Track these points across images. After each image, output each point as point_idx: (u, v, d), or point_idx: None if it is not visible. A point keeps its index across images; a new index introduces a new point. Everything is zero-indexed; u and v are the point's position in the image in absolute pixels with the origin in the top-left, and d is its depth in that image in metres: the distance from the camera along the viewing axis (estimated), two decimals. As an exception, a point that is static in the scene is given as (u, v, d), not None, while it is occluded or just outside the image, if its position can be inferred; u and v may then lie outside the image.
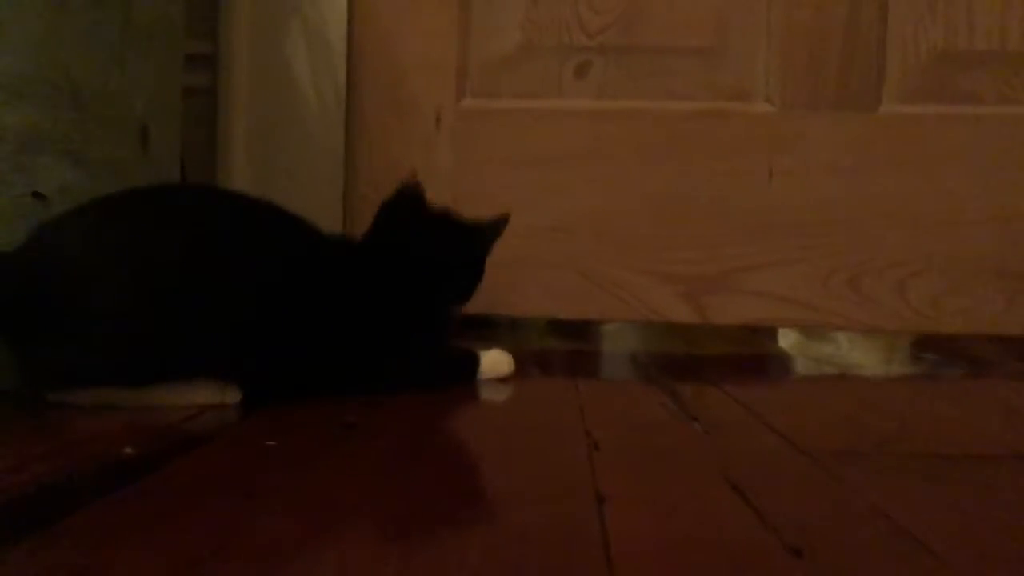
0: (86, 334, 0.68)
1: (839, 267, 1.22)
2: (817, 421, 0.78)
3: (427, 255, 0.90)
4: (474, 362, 0.94)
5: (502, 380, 0.95)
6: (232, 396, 0.73)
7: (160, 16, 0.94)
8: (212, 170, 1.23)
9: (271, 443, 0.61)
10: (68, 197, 0.83)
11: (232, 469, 0.55)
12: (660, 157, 1.24)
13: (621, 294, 1.25)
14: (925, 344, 1.28)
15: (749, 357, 1.33)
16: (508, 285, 1.25)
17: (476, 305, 1.28)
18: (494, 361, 0.95)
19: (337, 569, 0.39)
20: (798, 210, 1.23)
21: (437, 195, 1.24)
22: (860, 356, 1.38)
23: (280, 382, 0.76)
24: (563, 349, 1.35)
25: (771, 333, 1.58)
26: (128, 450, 0.57)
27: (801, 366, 1.27)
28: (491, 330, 1.47)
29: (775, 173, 1.23)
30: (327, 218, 1.23)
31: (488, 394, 0.89)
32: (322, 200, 1.23)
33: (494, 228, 0.97)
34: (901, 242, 1.22)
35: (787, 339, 1.72)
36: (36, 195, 0.81)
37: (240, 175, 1.23)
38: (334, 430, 0.66)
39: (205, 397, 0.72)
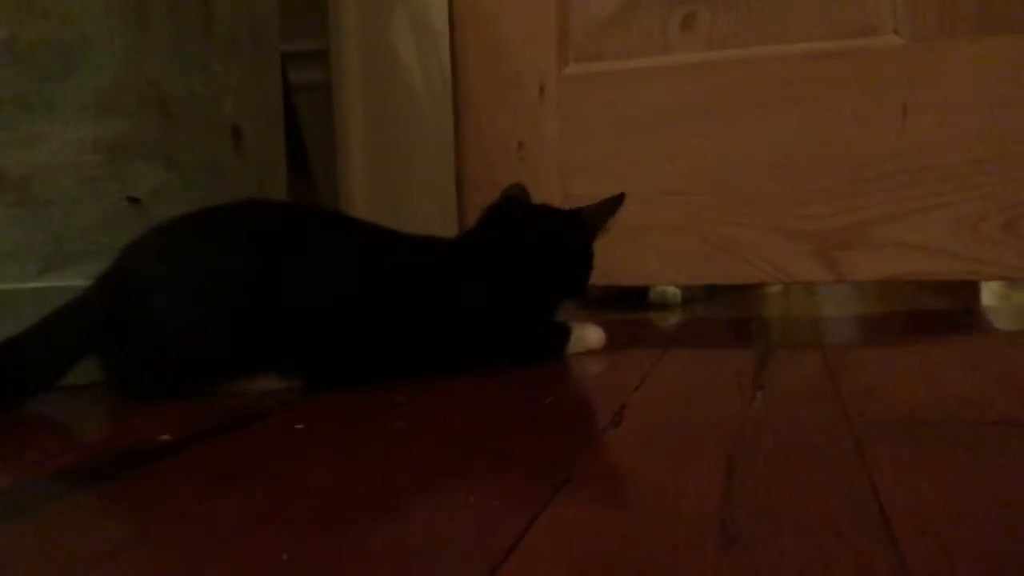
0: (160, 346, 0.73)
1: (991, 210, 1.09)
2: (917, 388, 0.70)
3: (527, 249, 0.89)
4: (564, 336, 0.92)
5: (593, 352, 0.93)
6: (297, 383, 0.76)
7: (244, 20, 0.98)
8: (333, 161, 1.28)
9: (299, 426, 0.63)
10: (162, 198, 0.89)
11: (256, 454, 0.57)
12: (779, 106, 1.16)
13: (746, 255, 1.18)
14: None
15: (933, 314, 1.23)
16: (625, 254, 1.22)
17: (597, 276, 1.26)
18: (583, 335, 0.93)
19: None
20: (938, 151, 1.10)
21: (545, 166, 1.23)
22: None
23: (347, 372, 0.78)
24: (703, 318, 1.30)
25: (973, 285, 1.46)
26: (165, 437, 0.61)
27: (1000, 320, 1.16)
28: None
29: (910, 112, 1.11)
30: (441, 197, 1.25)
31: (564, 367, 0.87)
32: (436, 180, 1.25)
33: (601, 211, 0.93)
34: (1067, 177, 1.06)
35: (989, 290, 1.57)
36: (131, 199, 0.87)
37: (358, 163, 1.27)
38: (380, 410, 0.68)
39: (274, 385, 0.76)
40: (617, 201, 0.94)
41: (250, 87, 0.99)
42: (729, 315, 1.32)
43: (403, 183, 1.27)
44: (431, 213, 1.26)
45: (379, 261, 0.82)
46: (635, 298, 1.50)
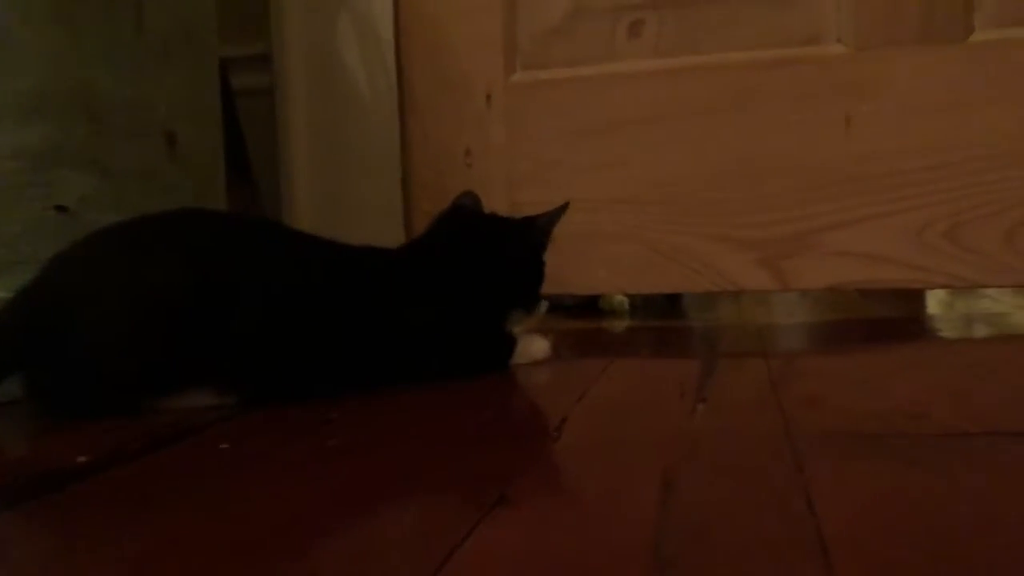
0: (87, 362, 0.69)
1: (934, 218, 1.10)
2: (858, 398, 0.70)
3: (478, 259, 0.88)
4: (509, 347, 0.91)
5: (538, 364, 0.91)
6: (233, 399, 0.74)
7: (180, 23, 0.95)
8: (277, 168, 1.26)
9: (224, 446, 0.61)
10: (92, 207, 0.86)
11: (177, 476, 0.55)
12: (725, 115, 1.15)
13: (693, 264, 1.18)
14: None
15: (879, 322, 1.24)
16: (573, 263, 1.21)
17: (545, 286, 1.25)
18: (528, 346, 0.92)
19: None
20: (882, 159, 1.11)
21: (492, 174, 1.22)
22: (1021, 311, 1.25)
23: (287, 387, 0.75)
24: (652, 326, 1.30)
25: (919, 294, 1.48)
26: (82, 458, 0.58)
27: (944, 328, 1.17)
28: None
29: (854, 121, 1.11)
30: (388, 204, 1.23)
31: (508, 379, 0.85)
32: (382, 187, 1.23)
33: (552, 221, 0.92)
34: (1008, 185, 1.08)
35: (934, 298, 1.59)
36: (58, 208, 0.84)
37: (302, 170, 1.24)
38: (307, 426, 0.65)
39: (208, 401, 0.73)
40: (562, 209, 0.93)
41: (186, 92, 0.97)
42: (678, 323, 1.32)
43: (348, 190, 1.24)
44: (377, 220, 1.24)
45: (321, 273, 0.79)
46: (589, 306, 1.49)
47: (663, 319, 1.36)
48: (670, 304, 1.48)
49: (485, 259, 0.88)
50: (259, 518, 0.45)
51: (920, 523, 0.40)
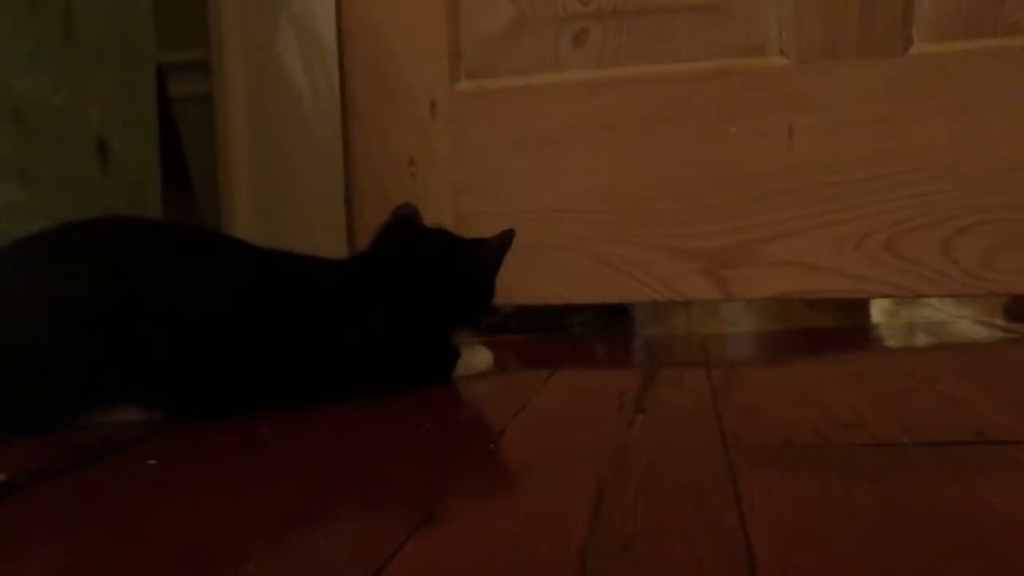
0: (3, 378, 0.67)
1: (873, 229, 1.11)
2: (796, 408, 0.70)
3: (418, 272, 0.86)
4: (452, 360, 0.89)
5: (480, 376, 0.90)
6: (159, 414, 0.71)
7: (113, 27, 0.93)
8: (215, 177, 1.23)
9: (151, 462, 0.59)
10: (18, 216, 0.83)
11: (99, 495, 0.53)
12: (669, 125, 1.16)
13: (637, 274, 1.18)
14: None
15: (822, 331, 1.25)
16: (518, 273, 1.20)
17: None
18: (471, 359, 0.91)
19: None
20: (822, 170, 1.12)
21: (436, 183, 1.21)
22: (961, 320, 1.27)
23: (214, 403, 0.73)
24: (597, 338, 1.29)
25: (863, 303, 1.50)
26: (0, 476, 0.56)
27: (886, 337, 1.18)
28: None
29: (795, 132, 1.12)
30: (330, 214, 1.21)
31: (448, 391, 0.84)
32: (324, 196, 1.21)
33: (500, 243, 0.91)
34: (943, 197, 1.09)
35: (878, 307, 1.61)
36: (-20, 217, 0.81)
37: (241, 179, 1.22)
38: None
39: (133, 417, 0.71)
40: (510, 235, 0.92)
41: (119, 98, 0.94)
42: (623, 335, 1.32)
43: (290, 200, 1.22)
44: (319, 230, 1.22)
45: (253, 284, 0.77)
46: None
47: (608, 331, 1.35)
48: (614, 317, 1.48)
49: (436, 276, 0.87)
50: (182, 537, 0.43)
51: (851, 537, 0.40)
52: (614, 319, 1.44)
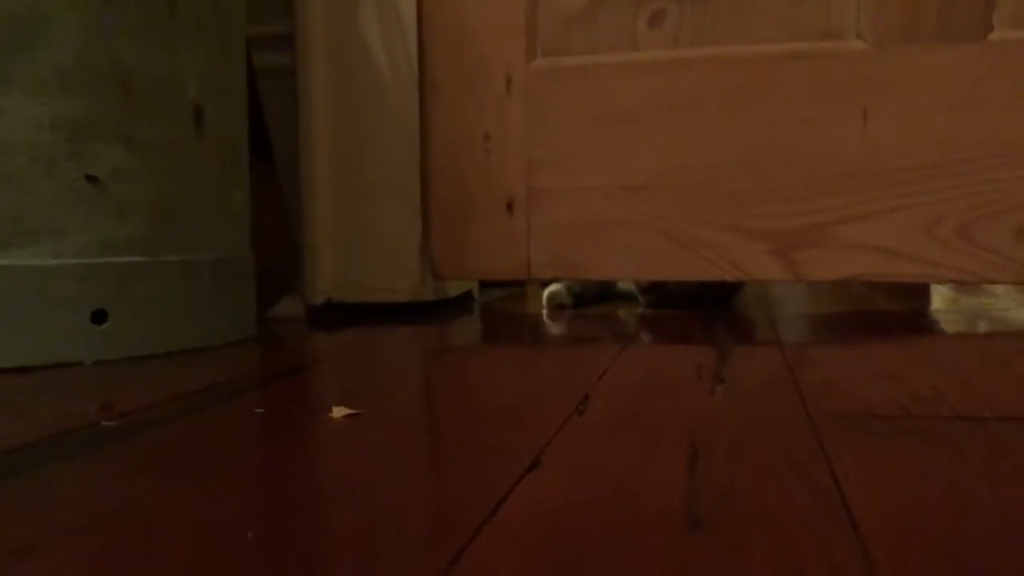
0: None
1: (946, 214, 1.11)
2: (873, 384, 0.72)
3: None
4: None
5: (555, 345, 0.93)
6: None
7: (211, 1, 0.97)
8: (296, 147, 1.27)
9: (259, 410, 0.62)
10: (122, 178, 0.88)
11: None
12: (743, 106, 1.17)
13: (706, 253, 1.20)
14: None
15: (886, 315, 1.26)
16: (588, 249, 1.22)
17: (559, 270, 1.26)
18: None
19: None
20: (896, 155, 1.12)
21: (510, 159, 1.23)
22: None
23: None
24: (660, 315, 1.31)
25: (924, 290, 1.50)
26: None
27: (950, 323, 1.19)
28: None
29: (870, 116, 1.13)
30: (406, 186, 1.25)
31: (519, 359, 0.87)
32: (400, 169, 1.25)
33: None
34: (1019, 184, 1.09)
35: (939, 294, 1.61)
36: (89, 178, 0.86)
37: (321, 150, 1.26)
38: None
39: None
40: None
41: (215, 70, 0.98)
42: (685, 313, 1.33)
43: (367, 172, 1.26)
44: (395, 201, 1.25)
45: None
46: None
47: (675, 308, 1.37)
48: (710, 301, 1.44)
49: None
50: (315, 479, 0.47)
51: (941, 497, 0.42)
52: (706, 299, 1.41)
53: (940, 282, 1.19)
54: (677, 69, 1.19)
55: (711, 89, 1.18)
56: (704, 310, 1.31)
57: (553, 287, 1.41)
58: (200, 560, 0.35)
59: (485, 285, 1.63)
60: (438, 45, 1.25)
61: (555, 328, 1.16)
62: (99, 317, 0.86)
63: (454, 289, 1.39)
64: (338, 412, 0.60)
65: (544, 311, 1.35)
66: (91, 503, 0.43)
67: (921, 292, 1.55)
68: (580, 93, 1.21)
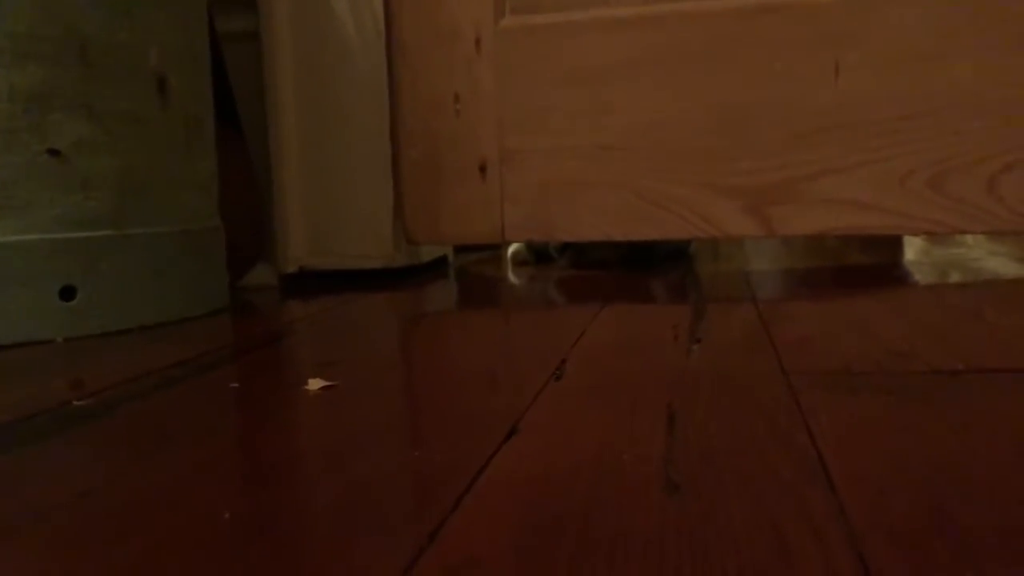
0: None
1: (918, 166, 1.11)
2: (848, 339, 0.72)
3: None
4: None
5: (531, 309, 0.92)
6: None
7: (169, -36, 0.94)
8: (263, 113, 1.25)
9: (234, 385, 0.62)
10: (84, 151, 0.86)
11: None
12: (715, 62, 1.16)
13: (680, 211, 1.19)
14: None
15: (859, 268, 1.26)
16: (562, 210, 1.22)
17: (534, 233, 1.26)
18: None
19: None
20: (868, 108, 1.12)
21: (481, 120, 1.22)
22: (997, 257, 1.28)
23: None
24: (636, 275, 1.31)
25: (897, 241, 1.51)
26: None
27: (923, 274, 1.20)
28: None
29: (842, 69, 1.12)
30: (376, 150, 1.23)
31: (495, 323, 0.87)
32: (370, 132, 1.23)
33: None
34: (990, 134, 1.09)
35: (911, 246, 1.62)
36: (51, 152, 0.84)
37: (289, 116, 1.24)
38: None
39: None
40: None
41: (176, 36, 0.96)
42: (659, 271, 1.33)
43: (337, 136, 1.24)
44: (366, 166, 1.24)
45: None
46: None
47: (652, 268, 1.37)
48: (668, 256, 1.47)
49: None
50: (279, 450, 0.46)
51: (915, 452, 0.42)
52: (667, 257, 1.45)
53: (913, 234, 1.20)
54: (648, 25, 1.17)
55: (683, 45, 1.17)
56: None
57: (515, 245, 1.44)
58: (178, 537, 0.35)
59: (460, 249, 1.62)
60: (405, 5, 1.23)
61: (530, 290, 1.16)
62: (67, 293, 0.85)
63: (428, 254, 1.38)
64: (314, 384, 0.59)
65: (509, 269, 1.36)
66: (66, 483, 0.43)
67: (894, 244, 1.57)
68: (550, 52, 1.20)
